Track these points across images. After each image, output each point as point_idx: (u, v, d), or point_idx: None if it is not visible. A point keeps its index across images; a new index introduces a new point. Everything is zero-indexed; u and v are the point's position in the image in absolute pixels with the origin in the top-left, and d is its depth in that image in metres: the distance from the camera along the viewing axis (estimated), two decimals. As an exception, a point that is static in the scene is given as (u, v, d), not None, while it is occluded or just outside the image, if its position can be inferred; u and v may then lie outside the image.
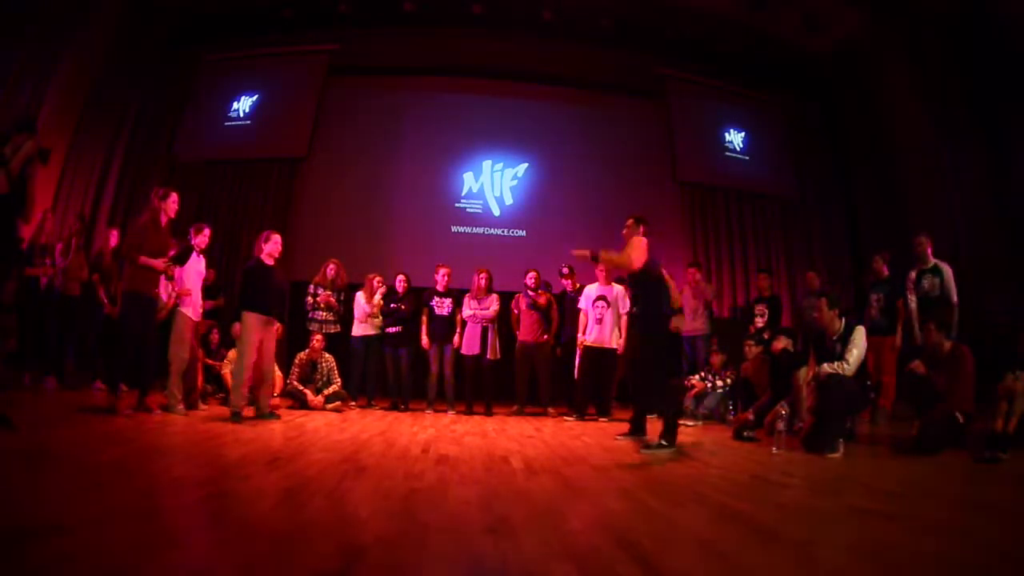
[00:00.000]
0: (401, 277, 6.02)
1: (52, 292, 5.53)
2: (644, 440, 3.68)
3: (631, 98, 8.63)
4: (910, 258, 5.27)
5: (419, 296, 5.98)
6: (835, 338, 3.79)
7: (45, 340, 5.48)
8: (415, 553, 1.48)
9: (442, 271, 5.90)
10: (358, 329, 5.89)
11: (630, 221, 3.97)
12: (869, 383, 4.20)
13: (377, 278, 5.99)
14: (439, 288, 5.88)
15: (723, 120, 8.81)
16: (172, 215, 4.37)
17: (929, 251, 5.09)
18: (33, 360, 5.44)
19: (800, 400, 4.26)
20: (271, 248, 4.47)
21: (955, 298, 4.89)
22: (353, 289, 6.07)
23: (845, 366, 3.64)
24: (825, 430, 3.54)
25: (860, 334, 3.73)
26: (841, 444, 3.50)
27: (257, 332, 4.33)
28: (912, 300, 5.09)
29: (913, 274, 5.16)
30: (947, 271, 5.00)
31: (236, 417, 4.08)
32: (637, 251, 3.71)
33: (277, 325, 4.55)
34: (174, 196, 4.38)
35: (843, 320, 3.80)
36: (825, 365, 3.69)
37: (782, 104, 8.96)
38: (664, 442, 3.47)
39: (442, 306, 5.83)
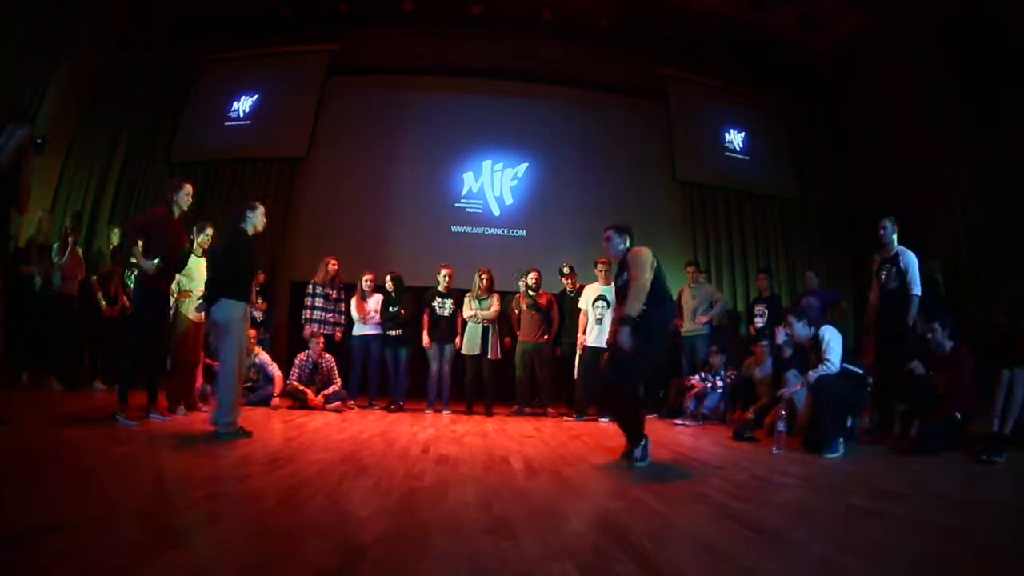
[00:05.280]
0: (387, 276, 5.98)
1: (49, 292, 5.52)
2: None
3: (631, 98, 8.61)
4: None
5: (418, 297, 5.98)
6: (809, 347, 3.91)
7: (43, 340, 5.47)
8: (415, 553, 1.48)
9: (445, 271, 5.89)
10: (357, 329, 5.89)
11: (609, 232, 3.33)
12: (869, 380, 4.19)
13: (368, 277, 5.98)
14: (442, 288, 5.88)
15: (723, 120, 8.79)
16: (185, 208, 4.06)
17: (894, 237, 4.56)
18: (32, 360, 5.43)
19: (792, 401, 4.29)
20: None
21: (917, 290, 4.34)
22: (350, 288, 6.05)
23: (829, 365, 3.70)
24: (823, 430, 3.54)
25: (828, 332, 3.82)
26: (842, 444, 3.51)
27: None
28: (874, 292, 4.67)
29: (875, 263, 4.70)
30: (910, 260, 4.44)
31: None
32: (640, 268, 3.11)
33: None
34: (187, 187, 4.04)
35: (810, 328, 3.90)
36: (810, 372, 3.78)
37: (782, 104, 8.95)
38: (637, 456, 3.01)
39: (444, 307, 5.83)
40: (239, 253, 3.52)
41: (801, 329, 3.93)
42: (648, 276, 3.11)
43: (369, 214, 7.89)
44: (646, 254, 3.16)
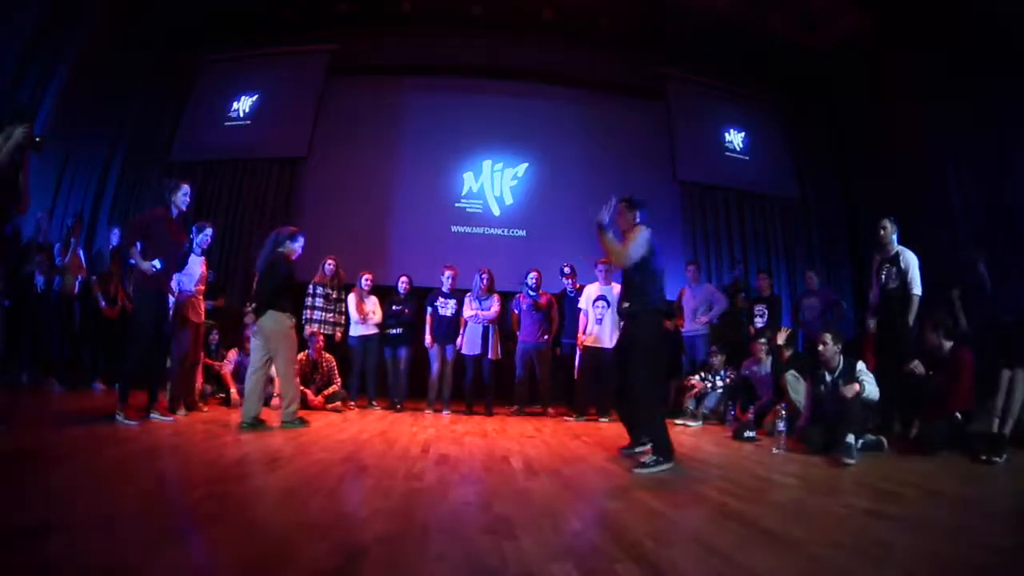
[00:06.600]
0: (404, 279, 6.03)
1: (49, 292, 5.52)
2: (637, 459, 3.04)
3: (631, 98, 8.62)
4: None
5: (421, 297, 6.00)
6: (835, 374, 3.77)
7: (43, 340, 5.47)
8: (415, 553, 1.48)
9: (448, 272, 5.92)
10: (356, 329, 5.89)
11: (622, 206, 3.34)
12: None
13: (367, 277, 5.99)
14: (445, 289, 5.90)
15: (723, 120, 8.81)
16: (183, 208, 4.08)
17: (894, 237, 4.53)
18: (32, 360, 5.42)
19: (791, 401, 4.27)
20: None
21: (917, 290, 4.33)
22: (350, 288, 6.05)
23: (868, 393, 3.62)
24: (840, 437, 3.45)
25: (861, 367, 3.73)
26: (855, 451, 3.36)
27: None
28: (875, 292, 4.63)
29: (876, 263, 4.67)
30: (910, 260, 4.41)
31: None
32: (635, 245, 3.20)
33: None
34: (185, 188, 4.05)
35: (842, 357, 3.79)
36: (847, 388, 3.60)
37: (782, 104, 8.96)
38: (660, 458, 2.91)
39: (446, 307, 5.85)
40: (282, 274, 4.05)
41: (832, 349, 3.81)
42: (636, 254, 3.20)
43: (369, 214, 7.89)
44: (643, 234, 3.23)
